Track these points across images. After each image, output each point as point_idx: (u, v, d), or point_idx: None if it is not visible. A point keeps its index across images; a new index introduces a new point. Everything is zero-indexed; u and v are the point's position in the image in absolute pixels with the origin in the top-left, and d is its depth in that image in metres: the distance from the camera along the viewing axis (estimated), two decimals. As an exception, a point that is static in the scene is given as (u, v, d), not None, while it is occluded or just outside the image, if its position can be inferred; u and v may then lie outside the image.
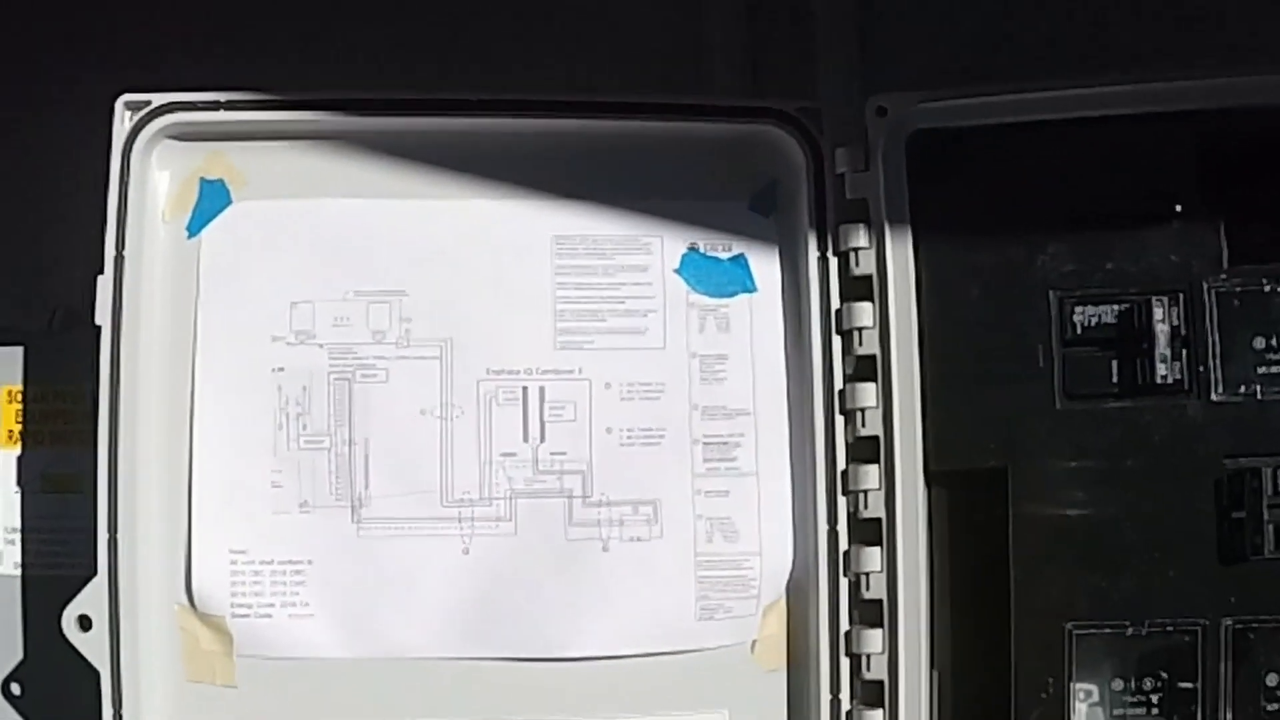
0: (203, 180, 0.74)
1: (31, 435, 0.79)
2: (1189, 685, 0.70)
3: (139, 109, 0.73)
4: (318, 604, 0.72)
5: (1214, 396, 0.71)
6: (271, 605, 0.72)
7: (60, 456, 0.78)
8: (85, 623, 0.70)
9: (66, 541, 0.75)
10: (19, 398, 0.79)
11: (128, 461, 0.71)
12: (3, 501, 0.78)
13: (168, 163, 0.74)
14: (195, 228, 0.74)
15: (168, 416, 0.73)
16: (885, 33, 0.89)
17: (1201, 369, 0.71)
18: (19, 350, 0.79)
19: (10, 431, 0.79)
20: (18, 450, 0.78)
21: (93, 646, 0.70)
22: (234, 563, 0.72)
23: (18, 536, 0.77)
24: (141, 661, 0.71)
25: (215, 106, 0.73)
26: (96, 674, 0.70)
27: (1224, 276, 0.71)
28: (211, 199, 0.74)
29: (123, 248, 0.72)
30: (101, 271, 0.71)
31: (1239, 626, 0.70)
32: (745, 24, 0.89)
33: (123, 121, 0.73)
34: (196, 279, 0.74)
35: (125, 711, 0.70)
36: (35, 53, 0.92)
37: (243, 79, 0.74)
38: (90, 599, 0.70)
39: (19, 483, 0.78)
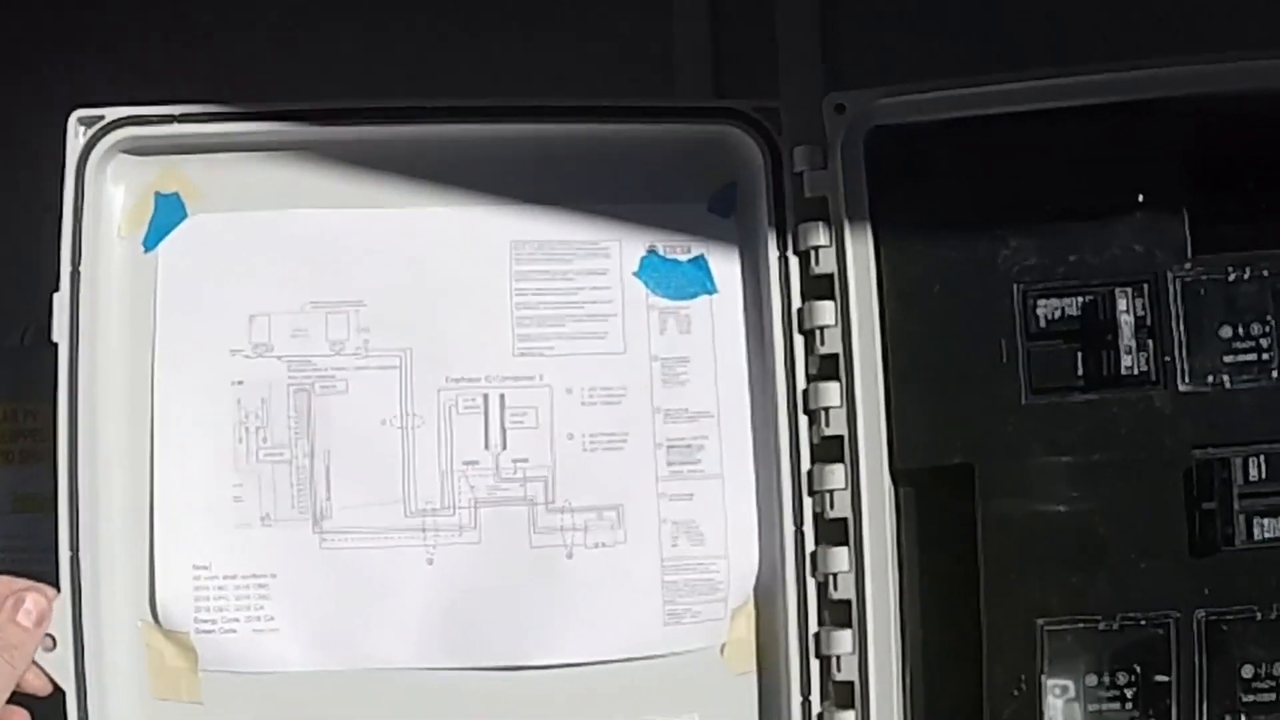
0: (158, 194, 0.74)
1: (2, 454, 0.79)
2: (1164, 678, 0.70)
3: (93, 124, 0.72)
4: (282, 617, 0.72)
5: (1181, 387, 0.70)
6: (236, 620, 0.72)
7: (30, 475, 0.78)
8: (49, 642, 0.69)
9: (39, 561, 0.73)
10: None
11: (88, 478, 0.70)
12: (-28, 521, 0.77)
13: (122, 177, 0.73)
14: (151, 242, 0.74)
15: (128, 432, 0.72)
16: (849, 32, 0.88)
17: (1167, 359, 0.70)
18: (-13, 369, 0.78)
19: None
20: None
21: (57, 666, 0.69)
22: (197, 578, 0.72)
23: (-14, 558, 0.76)
24: (107, 680, 0.70)
25: (169, 120, 0.73)
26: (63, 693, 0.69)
27: (1188, 265, 0.71)
28: (167, 213, 0.74)
29: (79, 264, 0.71)
30: (58, 289, 0.71)
31: (1212, 618, 0.69)
32: (708, 25, 0.88)
33: (77, 137, 0.72)
34: (154, 293, 0.73)
35: None
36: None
37: (197, 92, 0.74)
38: (54, 618, 0.69)
39: (-10, 502, 0.78)
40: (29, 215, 0.74)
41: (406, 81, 0.77)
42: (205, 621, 0.72)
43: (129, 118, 0.73)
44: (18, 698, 0.68)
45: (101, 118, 0.72)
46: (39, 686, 0.69)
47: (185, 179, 0.74)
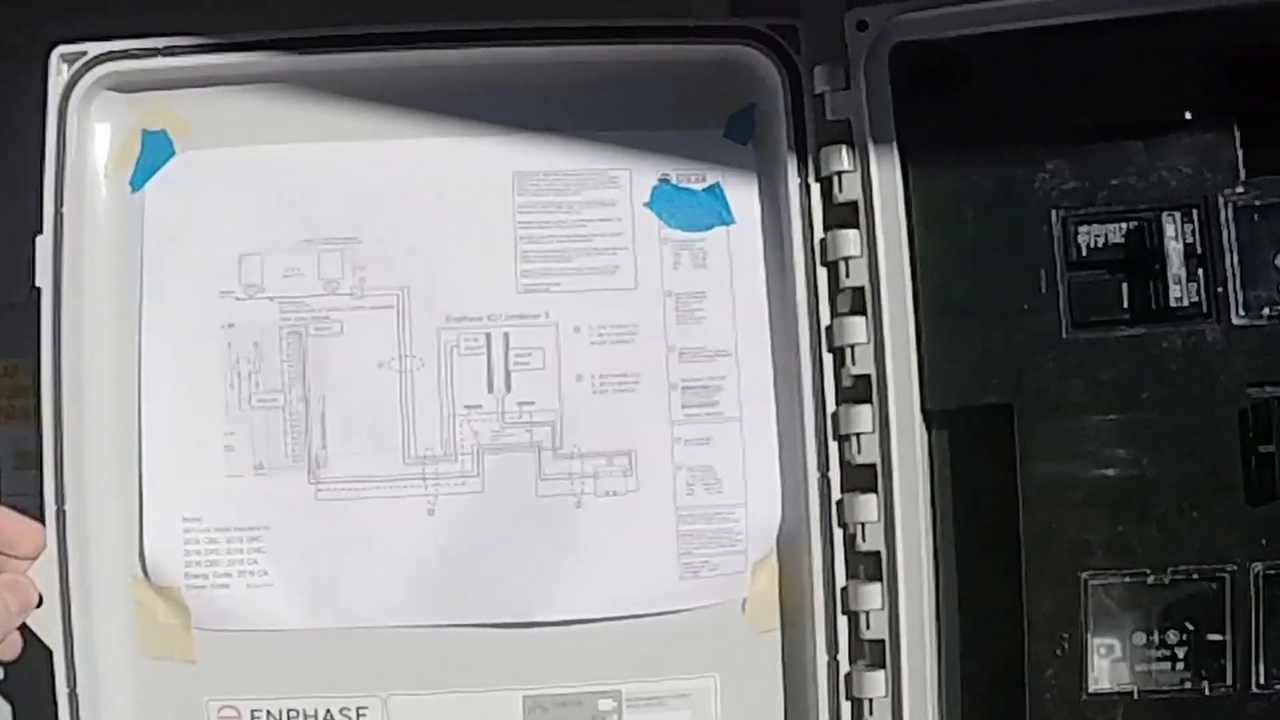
0: (144, 132, 0.72)
1: (3, 411, 0.79)
2: (1218, 637, 0.67)
3: (75, 60, 0.71)
4: (276, 572, 0.70)
5: (1234, 320, 0.68)
6: (228, 575, 0.70)
7: (31, 432, 0.75)
8: (37, 600, 0.68)
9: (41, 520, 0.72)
10: None
11: (74, 428, 0.69)
12: (-24, 478, 0.77)
13: (107, 115, 0.72)
14: (139, 181, 0.72)
15: (115, 380, 0.71)
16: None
17: (1220, 290, 0.68)
18: (-12, 324, 0.78)
19: None
20: None
21: (44, 624, 0.68)
22: (188, 530, 0.70)
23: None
24: (96, 638, 0.69)
25: (154, 54, 0.71)
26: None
27: (1240, 189, 0.68)
28: (154, 151, 0.72)
29: (62, 205, 0.70)
30: (40, 231, 0.70)
31: (1270, 572, 0.66)
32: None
33: (59, 73, 0.71)
34: (141, 235, 0.72)
35: (81, 689, 0.68)
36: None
37: (182, 24, 0.71)
38: (40, 574, 0.68)
39: (-8, 459, 0.77)
40: (25, 164, 0.71)
41: (401, 5, 0.74)
42: (196, 576, 0.70)
43: (112, 52, 0.71)
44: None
45: (84, 53, 0.71)
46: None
47: (172, 115, 0.72)
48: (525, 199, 0.72)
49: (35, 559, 0.68)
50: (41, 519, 0.69)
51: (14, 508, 0.72)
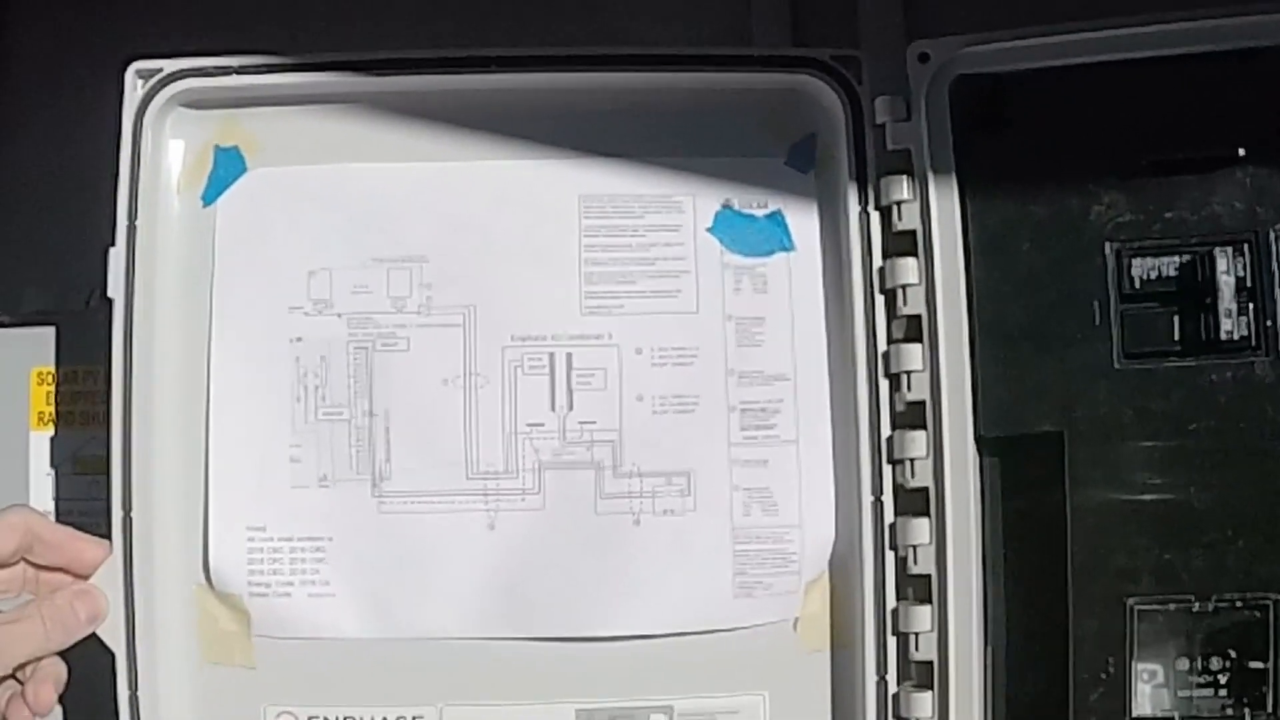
0: (217, 148, 0.73)
1: (63, 417, 0.79)
2: (1259, 664, 0.67)
3: (150, 76, 0.72)
4: (338, 582, 0.71)
5: None
6: (290, 584, 0.70)
7: (91, 437, 0.78)
8: (107, 609, 0.68)
9: (99, 524, 0.72)
10: (51, 379, 0.79)
11: (142, 436, 0.70)
12: (35, 483, 0.78)
13: (181, 131, 0.73)
14: (210, 196, 0.73)
15: (184, 390, 0.71)
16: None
17: (1270, 323, 0.68)
18: (51, 331, 0.79)
19: (41, 414, 0.79)
20: (50, 432, 0.78)
21: (108, 628, 0.68)
22: (252, 540, 0.71)
23: (51, 518, 0.75)
24: (159, 643, 0.69)
25: (228, 72, 0.72)
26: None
27: None
28: (226, 166, 0.73)
29: (135, 218, 0.70)
30: (114, 244, 0.70)
31: None
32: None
33: (134, 89, 0.71)
34: (212, 249, 0.72)
35: (142, 694, 0.69)
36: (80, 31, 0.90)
37: (256, 42, 0.72)
38: (105, 579, 0.68)
39: (52, 464, 0.78)
40: (97, 178, 0.72)
41: (471, 30, 0.75)
42: (259, 585, 0.70)
43: (187, 70, 0.72)
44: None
45: (159, 70, 0.72)
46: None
47: (245, 132, 0.73)
48: (591, 222, 0.72)
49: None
50: (100, 524, 0.69)
51: (70, 511, 0.73)
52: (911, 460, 0.70)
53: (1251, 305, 0.68)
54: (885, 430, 0.71)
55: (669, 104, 0.73)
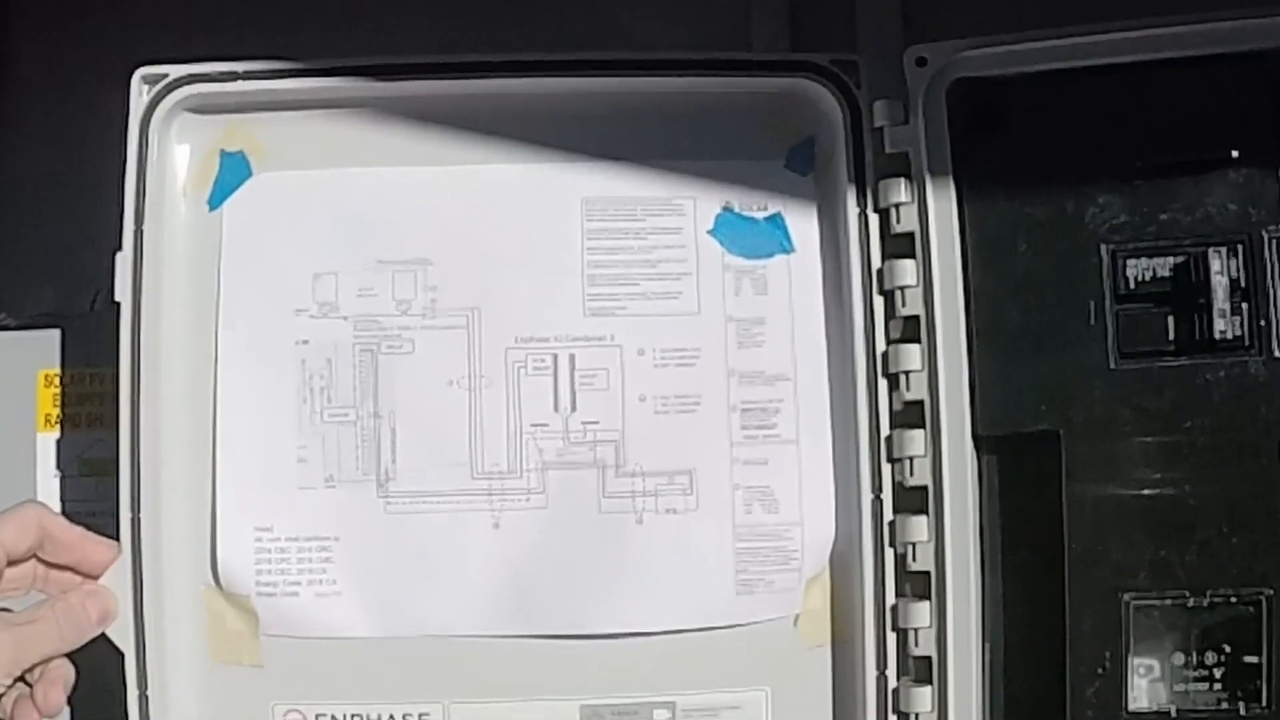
0: (223, 152, 0.73)
1: (69, 419, 0.79)
2: (1253, 659, 0.68)
3: (156, 82, 0.72)
4: (345, 581, 0.71)
5: (1277, 353, 0.68)
6: (298, 583, 0.71)
7: (97, 439, 0.78)
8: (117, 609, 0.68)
9: (106, 526, 0.73)
10: (56, 381, 0.79)
11: (150, 438, 0.70)
12: (42, 485, 0.78)
13: (187, 136, 0.73)
14: (216, 201, 0.73)
15: (191, 393, 0.72)
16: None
17: (1263, 324, 0.68)
18: (56, 334, 0.79)
19: (48, 416, 0.79)
20: (56, 434, 0.79)
21: (117, 628, 0.69)
22: (259, 540, 0.71)
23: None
24: (167, 643, 0.70)
25: (233, 77, 0.72)
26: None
27: None
28: (232, 171, 0.73)
29: (141, 222, 0.71)
30: (120, 248, 0.71)
31: None
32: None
33: (140, 95, 0.72)
34: (218, 253, 0.73)
35: (151, 693, 0.69)
36: (83, 33, 0.91)
37: (262, 48, 0.73)
38: (114, 580, 0.69)
39: (58, 466, 0.78)
40: (101, 180, 0.73)
41: (474, 35, 0.75)
42: (267, 584, 0.71)
43: (193, 75, 0.72)
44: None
45: (165, 75, 0.72)
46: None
47: (250, 137, 0.73)
48: (593, 225, 0.73)
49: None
50: (106, 525, 0.70)
51: (77, 513, 0.74)
52: (910, 459, 0.71)
53: (1245, 305, 0.68)
54: (884, 429, 0.71)
55: (670, 108, 0.73)
